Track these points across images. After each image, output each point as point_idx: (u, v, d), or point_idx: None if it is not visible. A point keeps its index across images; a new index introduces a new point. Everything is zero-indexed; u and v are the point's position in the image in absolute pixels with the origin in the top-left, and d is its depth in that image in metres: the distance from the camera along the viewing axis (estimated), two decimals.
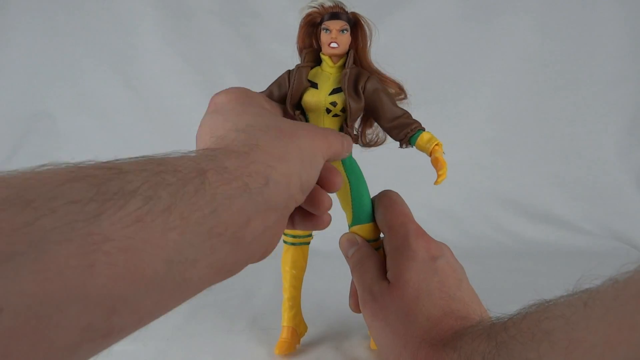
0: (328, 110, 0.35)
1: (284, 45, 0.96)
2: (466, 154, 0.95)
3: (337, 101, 0.35)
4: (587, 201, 0.92)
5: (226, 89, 0.31)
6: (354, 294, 0.39)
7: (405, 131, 0.35)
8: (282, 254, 0.41)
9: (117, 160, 0.21)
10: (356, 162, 0.39)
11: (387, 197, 0.38)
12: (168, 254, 0.19)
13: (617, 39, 0.94)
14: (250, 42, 0.96)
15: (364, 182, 0.38)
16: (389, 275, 0.34)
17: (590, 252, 0.79)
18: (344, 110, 0.35)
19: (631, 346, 0.18)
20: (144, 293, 0.18)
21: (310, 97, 0.36)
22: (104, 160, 0.20)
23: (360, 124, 0.39)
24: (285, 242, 0.41)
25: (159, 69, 0.96)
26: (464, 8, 0.95)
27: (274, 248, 0.26)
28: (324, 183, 0.31)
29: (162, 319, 0.20)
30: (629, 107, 0.96)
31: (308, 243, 0.41)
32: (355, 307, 0.39)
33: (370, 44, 0.37)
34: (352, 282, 0.40)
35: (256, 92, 0.33)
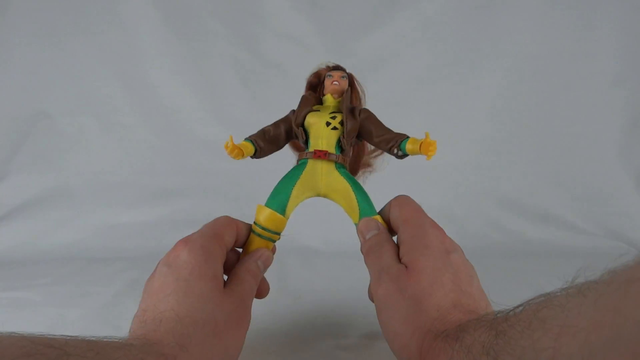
0: (327, 123, 0.40)
1: (284, 45, 0.97)
2: (466, 153, 0.95)
3: (337, 116, 0.40)
4: (587, 201, 0.92)
5: (192, 245, 0.33)
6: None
7: (395, 139, 0.39)
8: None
9: (66, 338, 0.24)
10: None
11: (402, 198, 0.40)
12: None
13: (617, 39, 0.94)
14: (250, 42, 0.96)
15: (360, 184, 0.41)
16: (404, 261, 0.34)
17: (590, 252, 0.79)
18: (341, 123, 0.40)
19: (614, 328, 0.18)
20: None
21: (312, 117, 0.41)
22: (55, 337, 0.24)
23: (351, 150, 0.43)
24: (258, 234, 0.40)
25: (159, 69, 0.96)
26: (464, 8, 0.95)
27: None
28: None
29: None
30: (629, 107, 0.96)
31: (274, 240, 0.41)
32: None
33: (363, 103, 0.43)
34: None
35: (216, 252, 0.34)
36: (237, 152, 0.38)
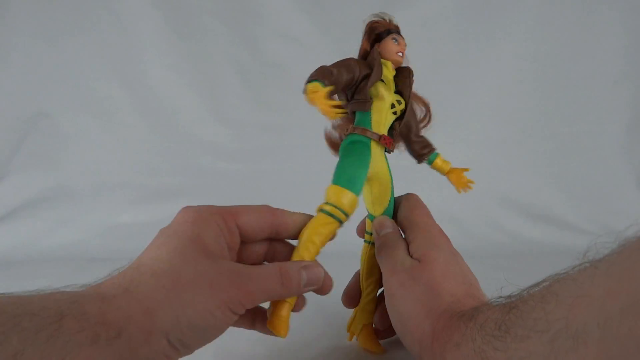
0: (392, 105, 0.38)
1: (284, 45, 0.97)
2: (466, 154, 0.95)
3: (402, 102, 0.38)
4: (587, 201, 0.92)
5: (187, 208, 0.32)
6: (349, 290, 0.42)
7: (428, 149, 0.40)
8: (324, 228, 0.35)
9: None
10: None
11: (413, 199, 0.41)
12: None
13: (617, 39, 0.94)
14: (250, 42, 0.96)
15: None
16: (415, 256, 0.36)
17: None
18: (401, 111, 0.38)
19: (630, 293, 0.18)
20: None
21: (383, 89, 0.37)
22: None
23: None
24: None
25: (159, 69, 0.96)
26: (464, 8, 0.95)
27: None
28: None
29: None
30: (629, 107, 0.96)
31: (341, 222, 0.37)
32: (348, 302, 0.42)
33: None
34: (352, 280, 0.42)
35: (213, 221, 0.31)
36: (330, 103, 0.31)
